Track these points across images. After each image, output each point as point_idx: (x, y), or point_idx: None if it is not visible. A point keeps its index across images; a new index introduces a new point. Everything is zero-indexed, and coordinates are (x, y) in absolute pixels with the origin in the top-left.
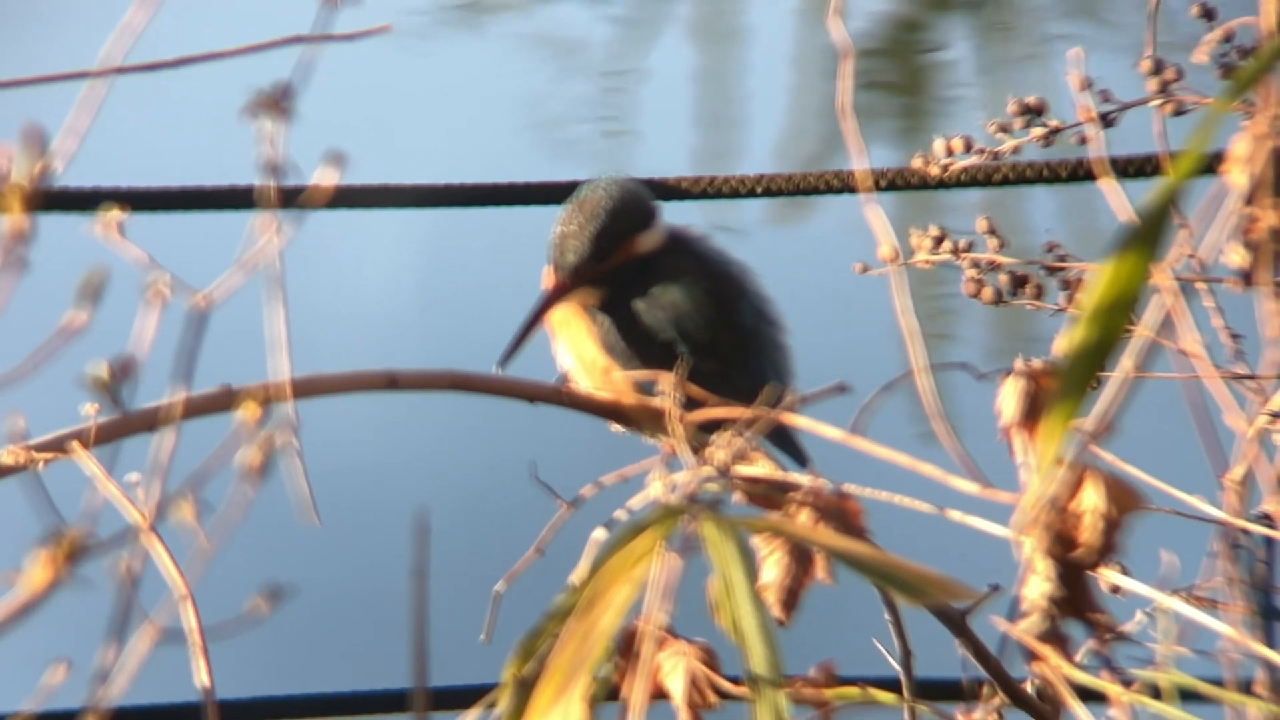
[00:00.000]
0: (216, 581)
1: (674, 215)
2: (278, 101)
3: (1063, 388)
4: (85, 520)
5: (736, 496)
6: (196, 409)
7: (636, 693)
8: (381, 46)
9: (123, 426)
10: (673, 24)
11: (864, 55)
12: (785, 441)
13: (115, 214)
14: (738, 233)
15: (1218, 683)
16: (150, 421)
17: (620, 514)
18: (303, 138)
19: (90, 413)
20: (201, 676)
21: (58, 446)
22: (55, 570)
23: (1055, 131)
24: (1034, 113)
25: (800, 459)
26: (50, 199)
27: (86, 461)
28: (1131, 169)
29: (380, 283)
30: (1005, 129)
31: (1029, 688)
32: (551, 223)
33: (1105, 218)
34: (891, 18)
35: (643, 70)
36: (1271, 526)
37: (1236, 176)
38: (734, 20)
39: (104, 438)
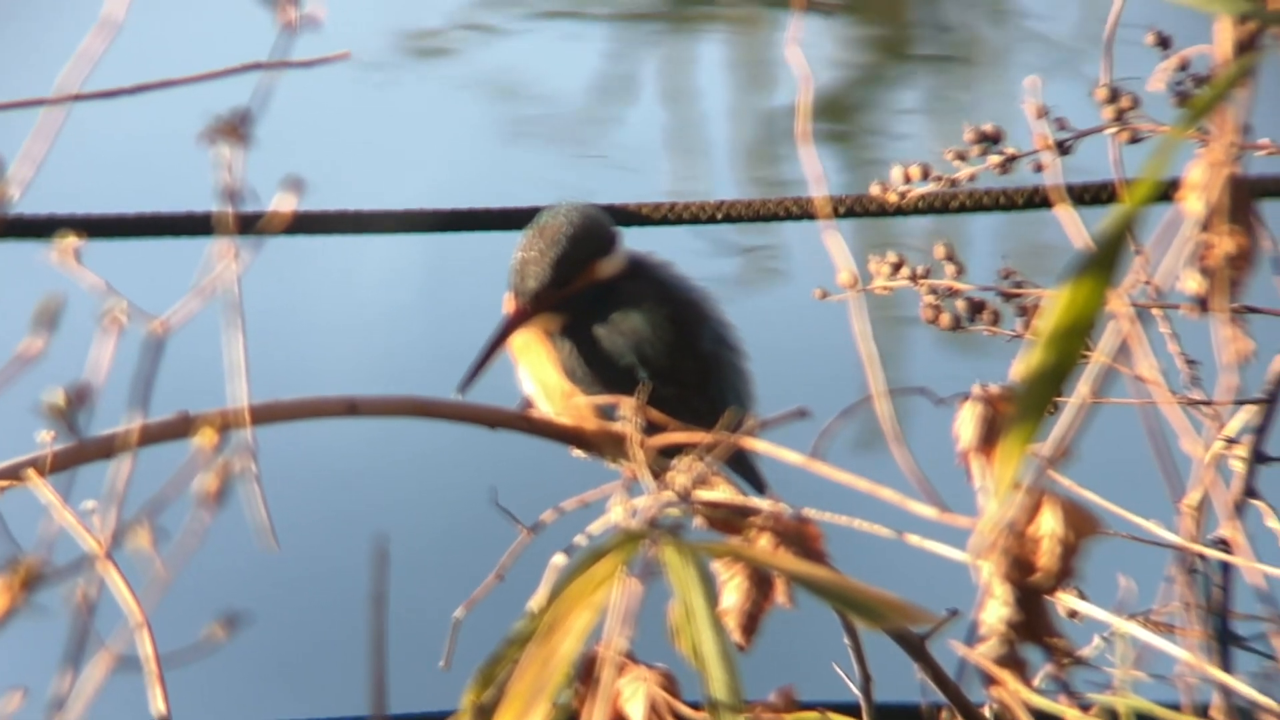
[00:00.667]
0: (173, 609)
1: (636, 241)
2: (236, 128)
3: (1020, 412)
4: (41, 548)
5: (697, 521)
6: (153, 436)
7: (596, 718)
8: (342, 72)
9: (79, 454)
10: (640, 59)
11: (822, 85)
12: (744, 467)
13: (72, 240)
14: (720, 289)
15: (1175, 707)
16: (106, 448)
17: (580, 539)
18: (263, 163)
19: (46, 440)
20: (158, 704)
21: (13, 474)
22: (11, 598)
23: (1012, 159)
24: (990, 140)
25: (759, 485)
26: (6, 226)
27: (42, 489)
28: (1087, 196)
29: (353, 308)
30: (962, 156)
31: (987, 712)
32: (513, 248)
33: (1061, 244)
34: (849, 49)
35: (610, 102)
36: (1228, 551)
37: (1192, 203)
38: (694, 57)
39: (60, 465)
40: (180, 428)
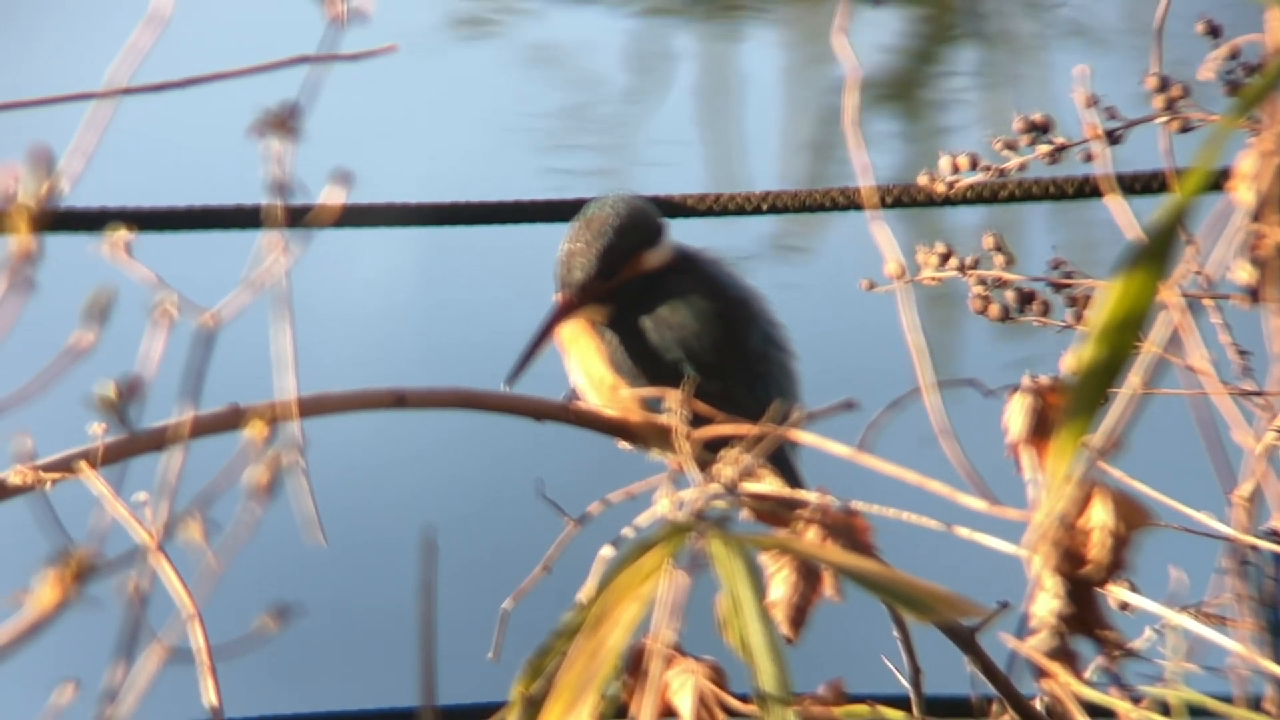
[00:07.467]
0: (224, 600)
1: (681, 233)
2: (284, 121)
3: (1072, 405)
4: (93, 540)
5: (744, 513)
6: (204, 428)
7: (645, 711)
8: (386, 63)
9: (130, 446)
10: (679, 46)
11: (869, 76)
12: (783, 467)
13: (122, 234)
14: (748, 261)
15: (1227, 699)
16: (158, 441)
17: (627, 531)
18: (309, 156)
19: (98, 432)
20: (210, 696)
21: (65, 466)
22: (63, 590)
23: (1061, 149)
24: (1040, 130)
25: (797, 486)
26: (57, 219)
27: (94, 481)
28: (1138, 186)
29: (379, 300)
30: (1011, 146)
31: (1038, 705)
32: (556, 241)
33: (1112, 235)
34: (897, 38)
35: (650, 90)
36: (1279, 543)
37: (1243, 193)
38: (735, 46)
39: (111, 457)
40: (231, 420)
